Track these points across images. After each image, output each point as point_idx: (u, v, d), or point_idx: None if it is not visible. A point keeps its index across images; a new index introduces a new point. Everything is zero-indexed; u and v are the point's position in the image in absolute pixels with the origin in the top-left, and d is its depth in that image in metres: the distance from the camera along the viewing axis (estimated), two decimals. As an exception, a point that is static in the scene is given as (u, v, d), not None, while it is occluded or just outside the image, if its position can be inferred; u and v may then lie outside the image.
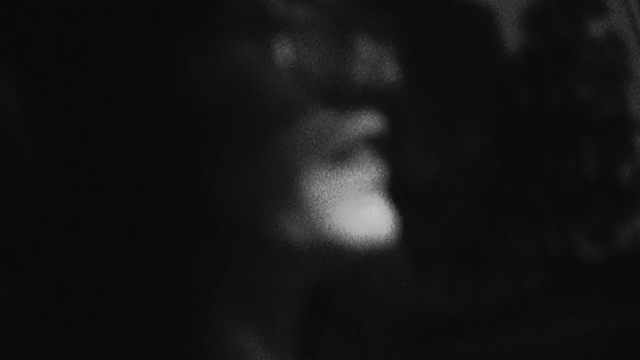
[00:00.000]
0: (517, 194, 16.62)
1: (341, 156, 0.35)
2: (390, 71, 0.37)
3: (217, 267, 0.34)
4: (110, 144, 0.32)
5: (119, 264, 0.32)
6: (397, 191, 0.43)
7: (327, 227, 0.34)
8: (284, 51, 0.34)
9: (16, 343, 0.31)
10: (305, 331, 0.39)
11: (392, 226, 0.36)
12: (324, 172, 0.34)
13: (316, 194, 0.34)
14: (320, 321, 0.41)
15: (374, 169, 0.36)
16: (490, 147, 17.16)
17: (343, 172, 0.35)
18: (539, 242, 16.43)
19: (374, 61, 0.36)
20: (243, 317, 0.35)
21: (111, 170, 0.32)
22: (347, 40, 0.36)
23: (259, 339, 0.35)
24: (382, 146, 0.38)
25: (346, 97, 0.35)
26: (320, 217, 0.34)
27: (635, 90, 17.79)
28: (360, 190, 0.35)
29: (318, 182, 0.34)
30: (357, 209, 0.35)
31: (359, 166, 0.35)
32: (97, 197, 0.32)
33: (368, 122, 0.36)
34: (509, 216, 16.22)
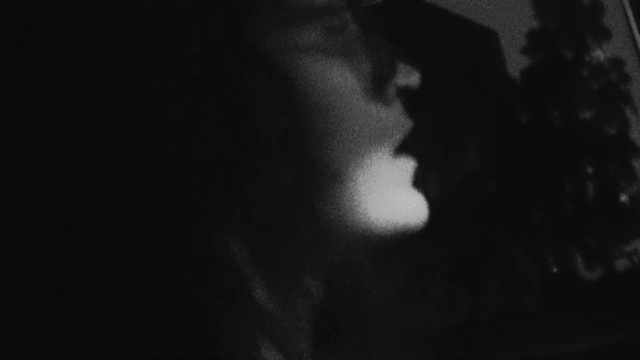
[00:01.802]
0: (516, 210, 16.64)
1: None
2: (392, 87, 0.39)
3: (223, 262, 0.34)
4: (111, 144, 0.32)
5: (119, 264, 0.32)
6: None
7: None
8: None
9: (16, 343, 0.31)
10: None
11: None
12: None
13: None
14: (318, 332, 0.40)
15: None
16: (490, 163, 17.21)
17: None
18: (537, 259, 16.43)
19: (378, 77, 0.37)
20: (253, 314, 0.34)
21: (112, 170, 0.32)
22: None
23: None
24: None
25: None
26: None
27: (635, 113, 17.85)
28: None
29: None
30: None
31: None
32: (98, 196, 0.32)
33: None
34: (507, 233, 16.23)
